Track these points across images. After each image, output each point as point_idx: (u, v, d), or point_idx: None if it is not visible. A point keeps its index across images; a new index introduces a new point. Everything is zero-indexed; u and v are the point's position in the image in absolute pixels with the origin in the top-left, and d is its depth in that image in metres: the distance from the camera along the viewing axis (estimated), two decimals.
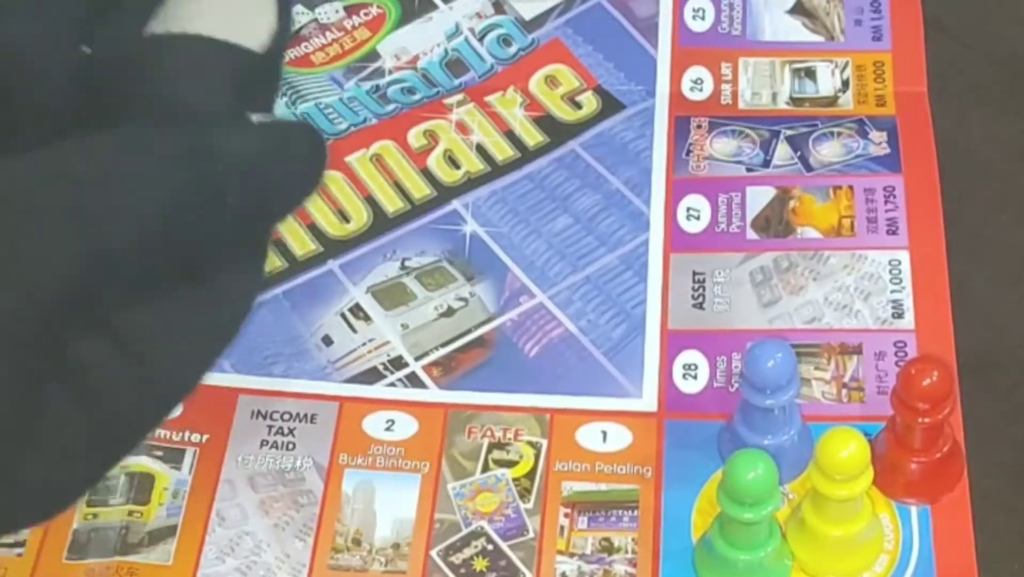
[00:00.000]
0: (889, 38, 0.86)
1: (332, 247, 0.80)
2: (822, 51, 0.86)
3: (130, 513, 0.71)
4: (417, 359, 0.76)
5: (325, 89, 0.86)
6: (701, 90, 0.85)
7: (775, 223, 0.79)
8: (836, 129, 0.82)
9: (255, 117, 0.54)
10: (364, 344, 0.76)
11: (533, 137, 0.84)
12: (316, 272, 0.79)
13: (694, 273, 0.78)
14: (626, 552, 0.69)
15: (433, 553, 0.69)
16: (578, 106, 0.85)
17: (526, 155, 0.83)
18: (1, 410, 0.46)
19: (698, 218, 0.80)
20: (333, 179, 0.83)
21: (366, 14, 0.90)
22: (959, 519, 0.69)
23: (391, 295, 0.78)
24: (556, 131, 0.84)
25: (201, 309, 0.53)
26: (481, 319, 0.77)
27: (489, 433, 0.73)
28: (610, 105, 0.85)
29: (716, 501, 0.65)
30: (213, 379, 0.75)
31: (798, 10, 0.88)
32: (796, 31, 0.87)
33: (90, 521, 0.71)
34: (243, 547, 0.70)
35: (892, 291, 0.76)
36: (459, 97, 0.85)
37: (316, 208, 0.81)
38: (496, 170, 0.82)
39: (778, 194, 0.80)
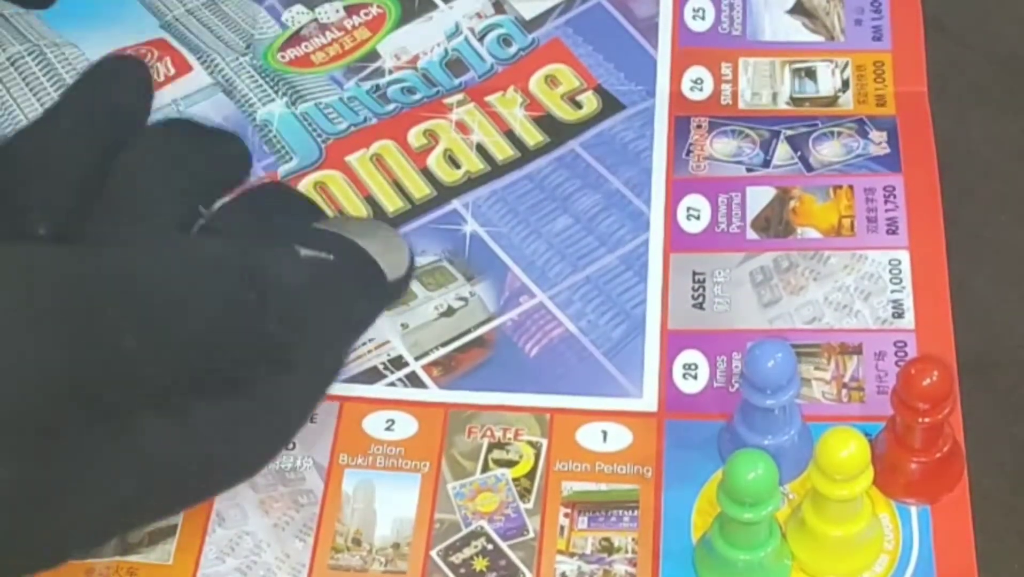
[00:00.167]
0: (889, 38, 0.86)
1: None
2: (822, 51, 0.86)
3: None
4: (417, 359, 0.76)
5: (325, 89, 0.86)
6: (701, 90, 0.85)
7: (775, 223, 0.79)
8: (836, 129, 0.82)
9: (304, 252, 0.59)
10: (364, 344, 0.76)
11: (533, 137, 0.84)
12: None
13: (694, 273, 0.78)
14: (626, 552, 0.69)
15: (433, 553, 0.70)
16: (578, 106, 0.85)
17: (526, 155, 0.83)
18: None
19: (698, 218, 0.80)
20: (333, 179, 0.83)
21: (366, 14, 0.90)
22: (959, 519, 0.69)
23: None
24: (556, 131, 0.84)
25: (242, 415, 0.57)
26: (481, 319, 0.77)
27: (489, 433, 0.73)
28: (610, 105, 0.85)
29: (716, 501, 0.65)
30: None
31: (798, 10, 0.88)
32: (796, 31, 0.87)
33: None
34: (243, 547, 0.70)
35: (892, 291, 0.76)
36: (459, 97, 0.85)
37: None
38: (496, 170, 0.83)
39: (778, 194, 0.80)
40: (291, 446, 0.73)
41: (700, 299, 0.77)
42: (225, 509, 0.71)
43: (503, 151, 0.83)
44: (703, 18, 0.88)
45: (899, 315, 0.75)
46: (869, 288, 0.76)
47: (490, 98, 0.85)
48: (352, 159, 0.83)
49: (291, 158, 0.84)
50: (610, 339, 0.76)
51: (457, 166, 0.83)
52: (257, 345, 0.58)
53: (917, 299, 0.76)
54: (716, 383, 0.74)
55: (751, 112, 0.84)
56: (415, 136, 0.84)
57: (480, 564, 0.69)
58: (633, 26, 0.88)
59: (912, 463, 0.69)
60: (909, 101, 0.83)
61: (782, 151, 0.82)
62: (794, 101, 0.84)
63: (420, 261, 0.79)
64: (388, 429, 0.73)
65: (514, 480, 0.72)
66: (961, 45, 0.86)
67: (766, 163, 0.81)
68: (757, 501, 0.64)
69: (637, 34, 0.88)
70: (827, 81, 0.84)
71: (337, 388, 0.75)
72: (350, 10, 0.90)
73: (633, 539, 0.69)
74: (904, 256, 0.77)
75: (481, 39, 0.88)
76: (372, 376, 0.75)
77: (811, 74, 0.85)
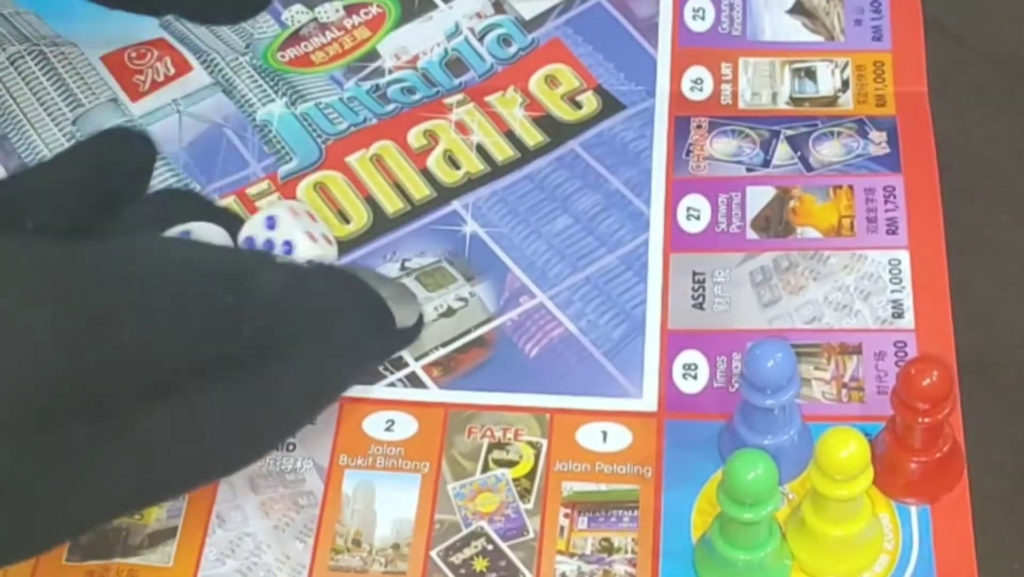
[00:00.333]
0: (889, 38, 0.86)
1: None
2: (822, 51, 0.86)
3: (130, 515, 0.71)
4: (417, 359, 0.76)
5: (325, 89, 0.86)
6: (701, 90, 0.85)
7: (775, 223, 0.79)
8: (836, 129, 0.82)
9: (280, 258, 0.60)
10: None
11: (533, 137, 0.84)
12: None
13: (694, 273, 0.78)
14: (626, 552, 0.69)
15: (433, 553, 0.70)
16: (578, 106, 0.85)
17: (526, 155, 0.83)
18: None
19: (698, 218, 0.80)
20: (333, 180, 0.83)
21: (366, 13, 0.90)
22: (959, 519, 0.69)
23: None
24: (556, 131, 0.84)
25: (241, 402, 0.58)
26: (481, 319, 0.77)
27: (489, 433, 0.73)
28: (610, 105, 0.85)
29: (716, 501, 0.65)
30: None
31: (798, 10, 0.88)
32: (796, 31, 0.87)
33: None
34: (243, 549, 0.70)
35: (892, 291, 0.76)
36: (459, 97, 0.85)
37: (316, 209, 0.81)
38: (496, 170, 0.83)
39: (778, 194, 0.80)
40: (291, 448, 0.73)
41: (700, 299, 0.77)
42: (225, 511, 0.71)
43: (503, 152, 0.83)
44: (703, 18, 0.88)
45: (899, 315, 0.75)
46: (869, 288, 0.76)
47: (490, 98, 0.85)
48: (352, 160, 0.83)
49: (291, 159, 0.84)
50: (610, 339, 0.76)
51: (457, 167, 0.83)
52: (231, 347, 0.59)
53: (917, 299, 0.76)
54: (716, 383, 0.74)
55: (751, 112, 0.84)
56: (415, 137, 0.84)
57: (480, 564, 0.69)
58: (633, 26, 0.88)
59: (912, 463, 0.69)
60: (909, 101, 0.83)
61: (782, 151, 0.82)
62: (794, 101, 0.84)
63: (420, 262, 0.79)
64: (388, 430, 0.73)
65: (514, 480, 0.72)
66: (961, 45, 0.86)
67: (766, 163, 0.82)
68: (757, 501, 0.64)
69: (637, 34, 0.88)
70: (827, 81, 0.84)
71: None
72: (350, 9, 0.90)
73: (633, 539, 0.69)
74: (904, 256, 0.77)
75: (481, 39, 0.88)
76: (372, 377, 0.75)
77: (811, 74, 0.85)
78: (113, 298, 0.56)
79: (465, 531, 0.70)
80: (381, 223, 0.80)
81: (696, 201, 0.80)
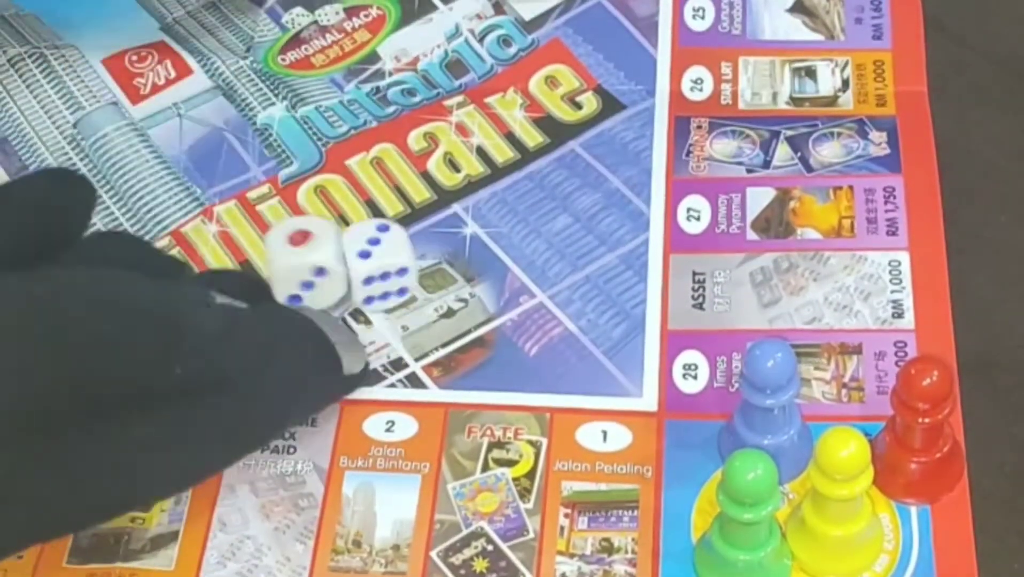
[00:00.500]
0: (889, 37, 0.86)
1: None
2: (822, 50, 0.86)
3: (132, 519, 0.71)
4: (417, 360, 0.76)
5: (325, 92, 0.86)
6: (701, 90, 0.85)
7: (775, 224, 0.79)
8: (836, 129, 0.82)
9: (219, 299, 0.62)
10: (364, 346, 0.76)
11: (533, 138, 0.84)
12: None
13: (694, 273, 0.78)
14: (626, 552, 0.69)
15: (433, 554, 0.70)
16: (578, 106, 0.85)
17: (526, 156, 0.83)
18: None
19: (698, 219, 0.80)
20: (333, 183, 0.83)
21: (366, 15, 0.90)
22: (959, 519, 0.69)
23: None
24: (556, 131, 0.84)
25: (165, 438, 0.64)
26: (481, 319, 0.77)
27: (489, 432, 0.73)
28: (610, 105, 0.85)
29: (716, 501, 0.65)
30: None
31: (798, 8, 0.88)
32: (796, 30, 0.87)
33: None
34: (244, 551, 0.70)
35: (892, 291, 0.76)
36: (459, 99, 0.85)
37: (317, 212, 0.82)
38: (496, 173, 0.83)
39: (778, 195, 0.80)
40: (291, 450, 0.73)
41: (700, 299, 0.77)
42: (226, 514, 0.71)
43: (503, 153, 0.83)
44: (703, 17, 0.88)
45: (899, 315, 0.75)
46: (869, 288, 0.76)
47: (490, 99, 0.85)
48: (352, 163, 0.83)
49: (291, 162, 0.84)
50: (610, 339, 0.76)
51: (457, 169, 0.83)
52: (163, 385, 0.62)
53: (917, 299, 0.76)
54: (716, 383, 0.74)
55: (751, 112, 0.84)
56: (415, 139, 0.84)
57: (480, 565, 0.69)
58: (633, 26, 0.88)
59: (912, 463, 0.69)
60: (909, 101, 0.83)
61: (782, 151, 0.82)
62: (794, 101, 0.84)
63: (420, 264, 0.79)
64: (388, 431, 0.73)
65: (514, 480, 0.72)
66: (961, 45, 0.86)
67: (766, 163, 0.82)
68: (757, 501, 0.64)
69: (637, 34, 0.88)
70: (827, 81, 0.84)
71: None
72: (350, 12, 0.90)
73: (633, 539, 0.70)
74: (904, 256, 0.77)
75: (481, 40, 0.88)
76: (372, 378, 0.75)
77: (811, 73, 0.85)
78: (53, 334, 0.59)
79: (465, 531, 0.70)
80: None
81: (696, 202, 0.81)
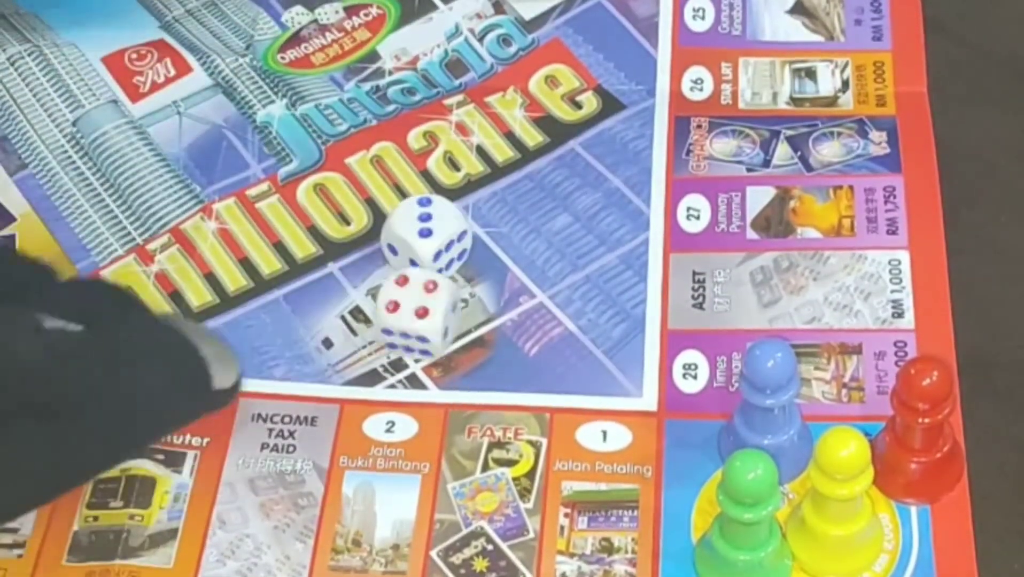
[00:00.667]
0: (889, 38, 0.86)
1: (332, 250, 0.80)
2: (822, 51, 0.86)
3: (131, 517, 0.71)
4: (417, 360, 0.76)
5: (325, 90, 0.86)
6: (701, 90, 0.85)
7: (775, 223, 0.79)
8: (836, 129, 0.82)
9: (50, 323, 0.67)
10: (364, 346, 0.76)
11: (533, 138, 0.84)
12: (316, 275, 0.79)
13: (694, 273, 0.78)
14: (626, 552, 0.69)
15: (433, 553, 0.70)
16: (578, 106, 0.85)
17: (526, 155, 0.83)
18: None
19: (698, 218, 0.80)
20: (333, 181, 0.83)
21: (366, 15, 0.90)
22: (959, 519, 0.69)
23: None
24: (556, 131, 0.84)
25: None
26: (481, 319, 0.77)
27: (489, 432, 0.73)
28: (610, 105, 0.85)
29: (716, 501, 0.65)
30: None
31: (798, 10, 0.88)
32: (796, 31, 0.87)
33: (91, 524, 0.71)
34: (244, 550, 0.70)
35: (892, 291, 0.76)
36: (459, 98, 0.85)
37: (316, 210, 0.82)
38: (496, 172, 0.83)
39: (778, 194, 0.80)
40: (291, 449, 0.73)
41: (700, 299, 0.77)
42: (226, 512, 0.71)
43: (503, 153, 0.83)
44: (703, 18, 0.88)
45: (899, 315, 0.75)
46: (869, 288, 0.76)
47: (490, 99, 0.85)
48: (352, 161, 0.83)
49: (291, 160, 0.84)
50: (610, 338, 0.76)
51: (457, 168, 0.83)
52: None
53: (917, 299, 0.76)
54: (716, 383, 0.74)
55: (751, 112, 0.84)
56: (415, 138, 0.84)
57: (480, 565, 0.69)
58: (633, 26, 0.88)
59: (912, 463, 0.69)
60: (909, 101, 0.83)
61: (782, 151, 0.82)
62: (794, 101, 0.84)
63: None
64: (388, 431, 0.73)
65: (514, 479, 0.72)
66: (961, 45, 0.86)
67: (766, 163, 0.82)
68: (757, 501, 0.64)
69: (637, 34, 0.88)
70: (827, 81, 0.84)
71: (337, 391, 0.75)
72: (350, 11, 0.90)
73: (633, 539, 0.69)
74: (904, 256, 0.77)
75: (481, 39, 0.88)
76: (372, 379, 0.75)
77: (811, 74, 0.85)
78: None
79: (465, 531, 0.70)
80: (381, 225, 0.80)
81: (696, 201, 0.81)
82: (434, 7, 0.89)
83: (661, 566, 0.69)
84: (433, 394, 0.75)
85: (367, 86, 0.86)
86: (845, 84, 0.84)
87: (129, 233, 0.81)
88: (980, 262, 0.77)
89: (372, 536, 0.70)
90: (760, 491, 0.64)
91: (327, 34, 0.89)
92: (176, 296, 0.79)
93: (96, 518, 0.71)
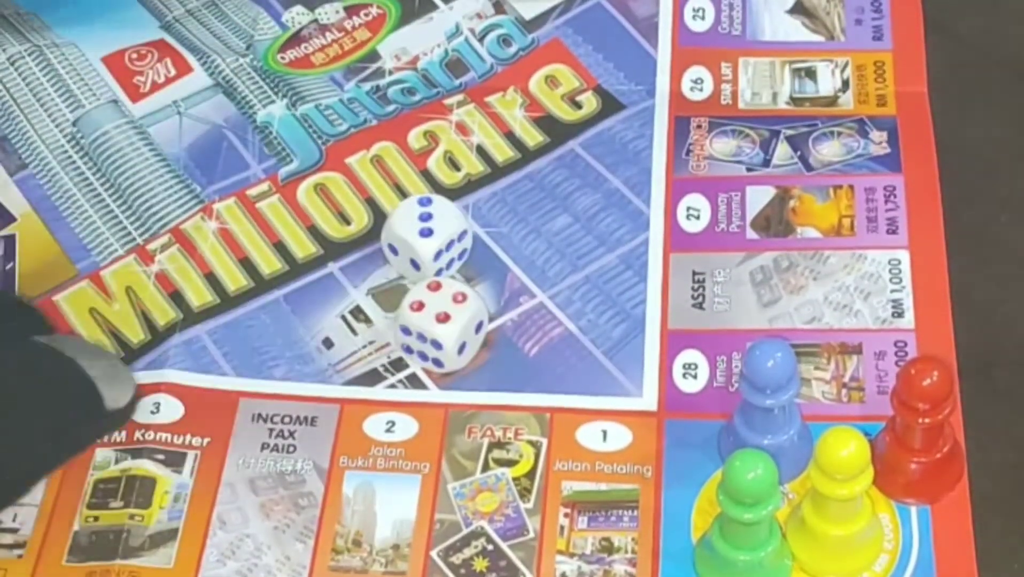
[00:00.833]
0: (890, 38, 0.86)
1: (332, 249, 0.80)
2: (822, 51, 0.86)
3: (131, 516, 0.71)
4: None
5: (325, 90, 0.86)
6: (701, 90, 0.85)
7: (775, 223, 0.79)
8: (836, 129, 0.82)
9: None
10: (365, 346, 0.77)
11: (533, 138, 0.84)
12: (316, 275, 0.79)
13: (694, 273, 0.78)
14: (626, 552, 0.69)
15: (433, 553, 0.70)
16: (578, 106, 0.85)
17: (526, 155, 0.83)
18: None
19: (698, 218, 0.80)
20: (333, 181, 0.83)
21: (366, 14, 0.90)
22: (959, 519, 0.69)
23: (391, 297, 0.78)
24: (556, 131, 0.84)
25: None
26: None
27: (489, 432, 0.73)
28: (610, 105, 0.85)
29: (716, 501, 0.65)
30: (214, 383, 0.75)
31: (798, 10, 0.88)
32: (796, 31, 0.87)
33: (91, 524, 0.71)
34: (244, 550, 0.70)
35: (892, 291, 0.76)
36: (459, 98, 0.85)
37: (316, 210, 0.82)
38: (496, 172, 0.83)
39: (778, 194, 0.80)
40: (291, 449, 0.73)
41: (700, 299, 0.77)
42: (226, 512, 0.71)
43: (503, 153, 0.83)
44: (703, 18, 0.88)
45: (899, 315, 0.75)
46: (869, 288, 0.76)
47: (490, 99, 0.85)
48: (352, 161, 0.83)
49: (291, 160, 0.84)
50: (610, 338, 0.76)
51: (457, 168, 0.83)
52: None
53: (917, 299, 0.76)
54: (716, 383, 0.74)
55: (751, 112, 0.84)
56: (415, 138, 0.84)
57: (480, 565, 0.69)
58: (633, 26, 0.88)
59: (912, 463, 0.69)
60: (909, 101, 0.83)
61: (782, 151, 0.82)
62: (794, 101, 0.84)
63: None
64: (388, 431, 0.73)
65: (514, 480, 0.72)
66: (961, 45, 0.86)
67: (766, 163, 0.82)
68: (757, 501, 0.64)
69: (637, 34, 0.88)
70: (827, 81, 0.84)
71: (338, 391, 0.75)
72: (350, 11, 0.90)
73: (633, 539, 0.70)
74: (904, 256, 0.77)
75: (481, 39, 0.88)
76: (373, 378, 0.75)
77: (811, 74, 0.85)
78: None
79: (465, 531, 0.70)
80: (381, 224, 0.80)
81: (696, 201, 0.81)
82: (434, 7, 0.89)
83: (661, 566, 0.69)
84: (433, 394, 0.75)
85: (367, 86, 0.86)
86: (845, 84, 0.84)
87: (129, 233, 0.81)
88: (980, 262, 0.77)
89: (372, 536, 0.70)
90: (760, 491, 0.64)
91: (327, 34, 0.89)
92: (176, 296, 0.79)
93: (96, 518, 0.71)
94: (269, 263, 0.80)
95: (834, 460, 0.64)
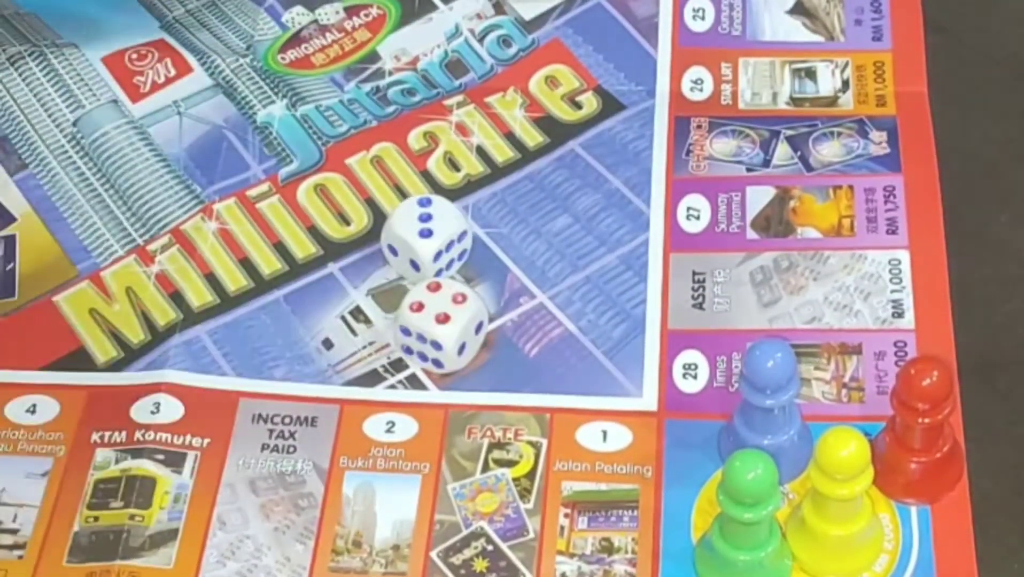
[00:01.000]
0: (889, 38, 0.86)
1: (332, 250, 0.80)
2: (822, 51, 0.86)
3: (131, 517, 0.71)
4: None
5: (325, 91, 0.86)
6: (701, 90, 0.85)
7: (775, 223, 0.79)
8: (836, 129, 0.82)
9: None
10: (365, 347, 0.77)
11: (533, 138, 0.84)
12: (316, 275, 0.79)
13: (694, 273, 0.78)
14: (626, 552, 0.69)
15: (433, 554, 0.70)
16: (578, 106, 0.85)
17: (526, 156, 0.83)
18: None
19: (698, 218, 0.80)
20: (333, 182, 0.83)
21: (366, 15, 0.90)
22: (959, 519, 0.69)
23: (391, 298, 0.78)
24: (556, 131, 0.84)
25: None
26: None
27: (489, 433, 0.73)
28: (610, 105, 0.85)
29: (716, 501, 0.65)
30: (214, 383, 0.75)
31: (798, 10, 0.88)
32: (796, 31, 0.87)
33: (91, 524, 0.71)
34: (244, 551, 0.70)
35: (892, 291, 0.76)
36: (459, 98, 0.85)
37: (316, 210, 0.82)
38: (496, 172, 0.83)
39: (778, 194, 0.80)
40: (291, 450, 0.73)
41: (700, 299, 0.77)
42: (226, 513, 0.71)
43: (503, 153, 0.83)
44: (703, 18, 0.88)
45: (899, 315, 0.75)
46: (869, 288, 0.76)
47: (490, 99, 0.85)
48: (352, 161, 0.83)
49: (291, 161, 0.84)
50: (610, 339, 0.76)
51: (457, 169, 0.83)
52: None
53: (917, 299, 0.76)
54: (716, 383, 0.74)
55: (751, 112, 0.84)
56: (415, 138, 0.84)
57: (480, 565, 0.69)
58: (633, 26, 0.88)
59: (912, 463, 0.69)
60: (909, 101, 0.83)
61: (782, 151, 0.82)
62: (794, 101, 0.84)
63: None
64: (388, 431, 0.73)
65: (514, 480, 0.72)
66: (961, 45, 0.86)
67: (766, 163, 0.82)
68: (757, 501, 0.64)
69: (637, 34, 0.88)
70: (827, 81, 0.84)
71: (338, 391, 0.75)
72: (350, 11, 0.90)
73: (633, 539, 0.70)
74: (904, 256, 0.77)
75: (481, 40, 0.88)
76: (373, 379, 0.75)
77: (811, 74, 0.85)
78: None
79: (465, 531, 0.70)
80: (381, 225, 0.80)
81: (696, 201, 0.81)
82: (434, 7, 0.89)
83: (661, 566, 0.69)
84: (433, 394, 0.75)
85: (367, 87, 0.86)
86: (845, 84, 0.84)
87: (129, 233, 0.81)
88: (980, 262, 0.77)
89: (372, 537, 0.70)
90: (760, 491, 0.64)
91: (327, 34, 0.89)
92: (176, 296, 0.79)
93: (96, 518, 0.71)
94: (269, 263, 0.80)
95: (834, 460, 0.64)
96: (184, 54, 0.88)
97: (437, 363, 0.75)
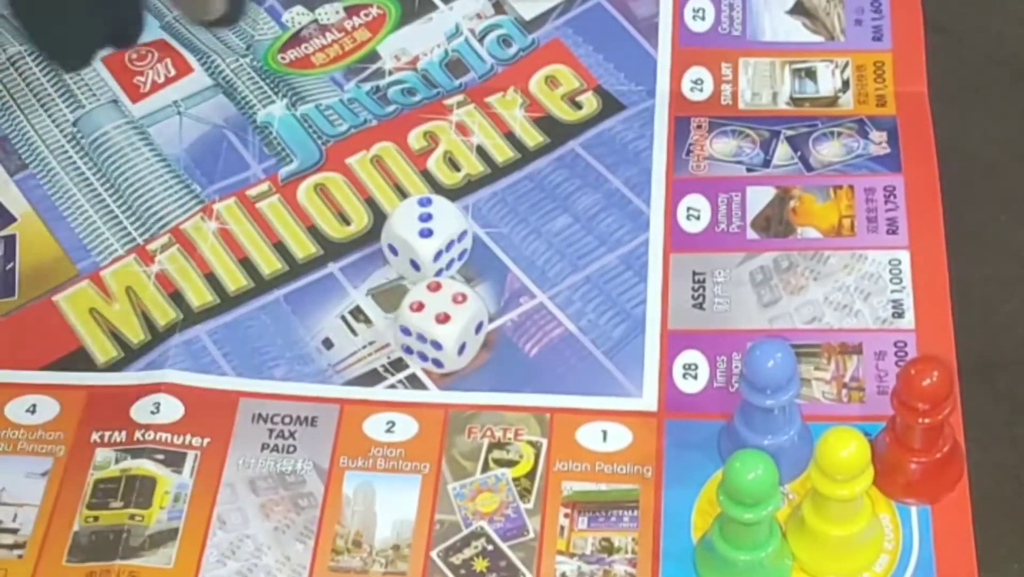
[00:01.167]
0: (889, 38, 0.86)
1: (332, 250, 0.80)
2: (822, 51, 0.86)
3: (131, 517, 0.71)
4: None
5: (325, 90, 0.86)
6: (701, 90, 0.85)
7: (775, 223, 0.79)
8: (836, 129, 0.82)
9: None
10: (365, 347, 0.77)
11: (533, 138, 0.84)
12: (316, 275, 0.79)
13: (694, 273, 0.78)
14: (626, 552, 0.69)
15: (433, 554, 0.70)
16: (578, 106, 0.85)
17: (526, 156, 0.83)
18: None
19: (698, 218, 0.80)
20: (333, 181, 0.83)
21: (366, 15, 0.90)
22: (959, 519, 0.69)
23: (391, 297, 0.78)
24: (556, 131, 0.84)
25: None
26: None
27: (489, 433, 0.73)
28: (610, 105, 0.85)
29: (716, 501, 0.65)
30: (214, 383, 0.75)
31: (798, 10, 0.88)
32: (796, 31, 0.87)
33: (91, 524, 0.71)
34: (244, 550, 0.70)
35: (892, 291, 0.76)
36: (459, 98, 0.85)
37: (316, 210, 0.82)
38: (496, 172, 0.83)
39: (778, 194, 0.80)
40: (291, 449, 0.73)
41: (700, 299, 0.77)
42: (226, 513, 0.71)
43: (503, 153, 0.83)
44: (703, 18, 0.88)
45: (899, 315, 0.75)
46: (869, 288, 0.76)
47: (490, 99, 0.85)
48: (352, 161, 0.83)
49: (292, 160, 0.84)
50: (610, 339, 0.76)
51: (457, 168, 0.83)
52: None
53: (917, 299, 0.76)
54: (716, 383, 0.74)
55: (751, 112, 0.84)
56: (415, 138, 0.84)
57: (480, 565, 0.69)
58: (633, 26, 0.88)
59: (912, 463, 0.69)
60: (909, 101, 0.83)
61: (782, 151, 0.82)
62: (794, 101, 0.84)
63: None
64: (388, 431, 0.73)
65: (514, 480, 0.72)
66: (961, 45, 0.86)
67: (766, 163, 0.82)
68: (757, 501, 0.64)
69: (637, 34, 0.88)
70: (827, 81, 0.84)
71: (338, 391, 0.75)
72: (350, 11, 0.90)
73: (633, 539, 0.70)
74: (904, 256, 0.77)
75: (481, 40, 0.88)
76: (373, 379, 0.75)
77: (811, 74, 0.85)
78: None
79: (465, 531, 0.70)
80: (381, 225, 0.80)
81: (696, 201, 0.81)
82: (434, 7, 0.90)
83: (661, 566, 0.69)
84: (433, 394, 0.75)
85: (367, 86, 0.86)
86: (845, 84, 0.84)
87: (129, 233, 0.81)
88: (980, 262, 0.77)
89: (372, 536, 0.70)
90: (760, 491, 0.64)
91: (327, 34, 0.89)
92: (176, 296, 0.79)
93: (96, 518, 0.71)
94: (269, 263, 0.80)
95: (834, 460, 0.64)
96: (184, 54, 0.88)
97: (437, 363, 0.75)
